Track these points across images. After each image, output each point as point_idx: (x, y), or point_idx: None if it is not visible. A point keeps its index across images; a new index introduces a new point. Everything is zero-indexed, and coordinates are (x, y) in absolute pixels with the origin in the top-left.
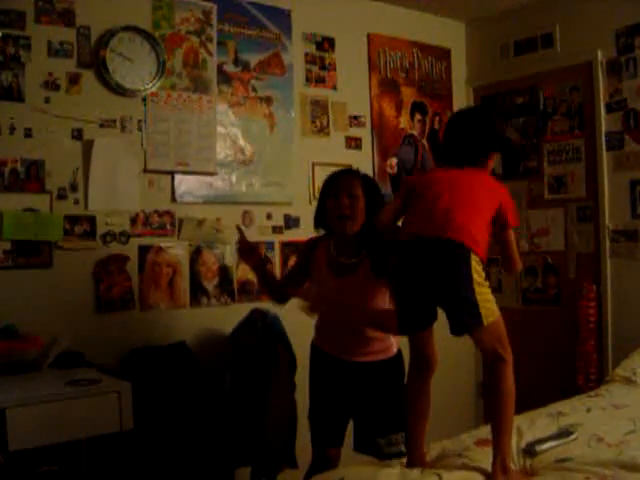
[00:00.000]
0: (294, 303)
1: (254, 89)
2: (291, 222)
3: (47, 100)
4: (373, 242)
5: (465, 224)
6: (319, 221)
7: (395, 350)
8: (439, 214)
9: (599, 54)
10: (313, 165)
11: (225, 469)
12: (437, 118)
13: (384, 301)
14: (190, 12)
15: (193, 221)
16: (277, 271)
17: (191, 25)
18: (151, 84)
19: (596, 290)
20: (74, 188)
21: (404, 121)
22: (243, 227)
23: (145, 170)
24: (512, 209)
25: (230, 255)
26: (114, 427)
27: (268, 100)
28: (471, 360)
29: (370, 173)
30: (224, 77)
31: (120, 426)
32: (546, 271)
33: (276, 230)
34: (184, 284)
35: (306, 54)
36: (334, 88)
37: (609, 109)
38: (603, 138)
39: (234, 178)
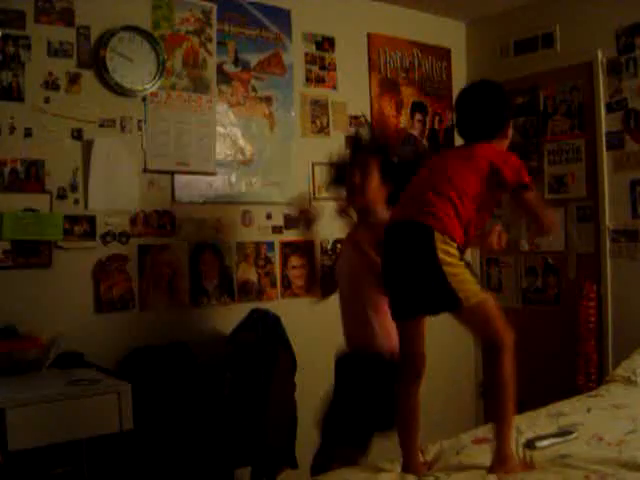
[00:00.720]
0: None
1: (254, 89)
2: (291, 222)
3: (47, 100)
4: None
5: (431, 203)
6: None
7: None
8: (413, 198)
9: (599, 54)
10: (313, 165)
11: (225, 469)
12: (437, 118)
13: None
14: (190, 12)
15: (193, 221)
16: (277, 270)
17: (191, 25)
18: (151, 84)
19: (596, 290)
20: (74, 188)
21: (404, 121)
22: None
23: (145, 170)
24: (511, 167)
25: (230, 255)
26: (114, 427)
27: (268, 100)
28: (471, 360)
29: None
30: (224, 77)
31: (120, 426)
32: (546, 271)
33: (276, 230)
34: (184, 284)
35: (306, 54)
36: (334, 88)
37: (609, 109)
38: (603, 138)
39: (234, 178)
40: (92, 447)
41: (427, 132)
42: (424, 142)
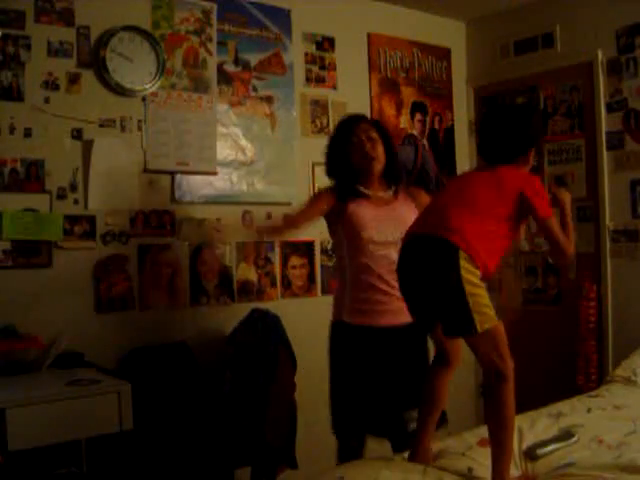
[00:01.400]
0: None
1: (254, 89)
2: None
3: (47, 100)
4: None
5: (458, 222)
6: (335, 168)
7: None
8: (435, 213)
9: (599, 54)
10: (313, 165)
11: (225, 469)
12: (437, 118)
13: None
14: (190, 12)
15: (193, 221)
16: (277, 270)
17: (191, 25)
18: (151, 84)
19: (596, 290)
20: (74, 188)
21: (404, 121)
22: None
23: (145, 170)
24: (540, 199)
25: (230, 255)
26: (114, 427)
27: (269, 100)
28: (471, 360)
29: None
30: (224, 77)
31: (120, 426)
32: (546, 271)
33: (276, 230)
34: (184, 284)
35: (306, 54)
36: (334, 88)
37: (609, 109)
38: (603, 138)
39: (235, 178)
40: (92, 447)
41: (427, 132)
42: (424, 142)
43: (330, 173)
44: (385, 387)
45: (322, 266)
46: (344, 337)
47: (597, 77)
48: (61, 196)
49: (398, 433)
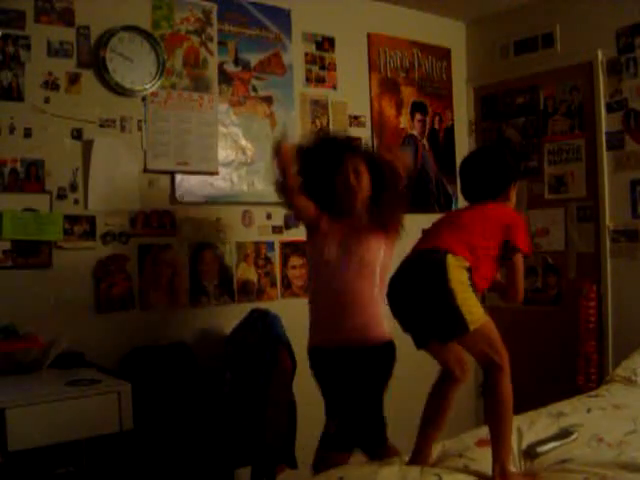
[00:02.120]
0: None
1: (254, 89)
2: (291, 222)
3: (47, 100)
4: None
5: (448, 237)
6: (317, 196)
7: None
8: (427, 236)
9: (599, 54)
10: None
11: (225, 469)
12: (437, 118)
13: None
14: (190, 12)
15: (193, 221)
16: (277, 270)
17: (191, 25)
18: (151, 84)
19: (596, 290)
20: (74, 188)
21: (404, 121)
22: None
23: (145, 170)
24: (522, 234)
25: (230, 255)
26: (114, 427)
27: (269, 100)
28: (471, 360)
29: None
30: (224, 77)
31: (120, 426)
32: (546, 271)
33: (276, 230)
34: (184, 284)
35: (306, 54)
36: (334, 88)
37: (609, 109)
38: (603, 138)
39: (235, 178)
40: (92, 447)
41: (427, 132)
42: (424, 142)
43: (307, 189)
44: (364, 401)
45: None
46: (324, 362)
47: (597, 77)
48: (61, 196)
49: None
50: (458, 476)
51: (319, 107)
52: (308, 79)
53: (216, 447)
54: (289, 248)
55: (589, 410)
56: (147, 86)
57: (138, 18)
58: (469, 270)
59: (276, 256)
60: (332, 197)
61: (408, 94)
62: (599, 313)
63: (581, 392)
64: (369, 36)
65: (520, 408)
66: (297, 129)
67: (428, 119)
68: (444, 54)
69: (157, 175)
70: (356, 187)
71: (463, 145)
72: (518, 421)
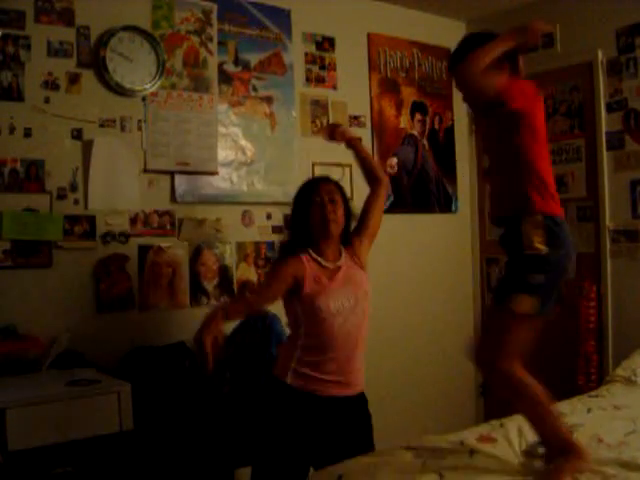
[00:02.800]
0: None
1: (254, 89)
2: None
3: (47, 100)
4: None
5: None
6: (297, 230)
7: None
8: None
9: (599, 54)
10: (313, 165)
11: (225, 469)
12: (437, 118)
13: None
14: (190, 12)
15: (193, 221)
16: None
17: (191, 25)
18: (151, 84)
19: (596, 290)
20: (74, 188)
21: (404, 121)
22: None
23: (145, 170)
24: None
25: (230, 255)
26: (114, 427)
27: (268, 100)
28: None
29: None
30: (224, 77)
31: (120, 426)
32: None
33: (276, 230)
34: (184, 284)
35: (306, 54)
36: (334, 88)
37: (609, 109)
38: (603, 138)
39: (235, 178)
40: (92, 447)
41: (427, 132)
42: (424, 142)
43: (291, 228)
44: (323, 457)
45: None
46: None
47: (597, 77)
48: (61, 196)
49: None
50: (459, 473)
51: (319, 107)
52: (308, 79)
53: (216, 447)
54: None
55: (589, 410)
56: (147, 86)
57: (138, 18)
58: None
59: (276, 256)
60: (307, 230)
61: (408, 94)
62: (599, 313)
63: (581, 392)
64: (369, 36)
65: None
66: (297, 129)
67: (428, 119)
68: (444, 54)
69: (157, 175)
70: (331, 216)
71: (463, 145)
72: (518, 421)
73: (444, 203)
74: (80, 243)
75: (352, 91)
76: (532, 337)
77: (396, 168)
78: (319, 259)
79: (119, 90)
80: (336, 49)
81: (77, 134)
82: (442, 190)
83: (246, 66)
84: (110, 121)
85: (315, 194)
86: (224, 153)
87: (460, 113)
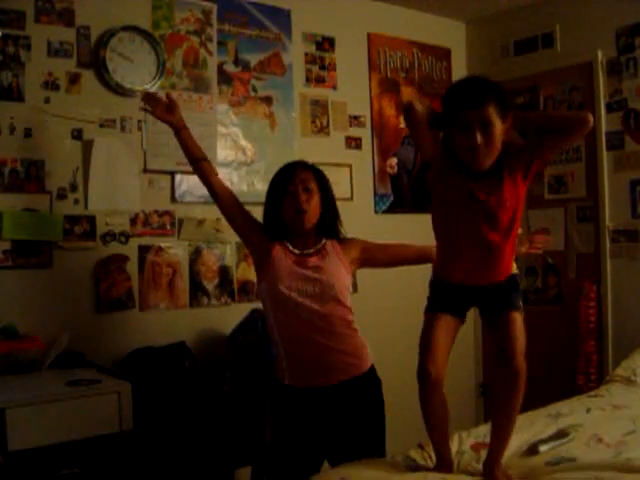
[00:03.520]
0: None
1: (254, 89)
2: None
3: (47, 100)
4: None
5: None
6: (270, 220)
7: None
8: None
9: (599, 54)
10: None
11: (225, 469)
12: None
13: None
14: (190, 12)
15: (193, 221)
16: None
17: (191, 25)
18: (151, 84)
19: (596, 290)
20: (74, 188)
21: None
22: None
23: (145, 170)
24: None
25: (230, 255)
26: (114, 427)
27: (268, 100)
28: (471, 360)
29: (370, 173)
30: (224, 77)
31: (120, 426)
32: (546, 271)
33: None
34: (184, 284)
35: (306, 54)
36: (334, 88)
37: (609, 109)
38: (603, 138)
39: (235, 178)
40: (92, 447)
41: None
42: None
43: (264, 218)
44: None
45: None
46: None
47: (597, 77)
48: (61, 196)
49: None
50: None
51: (319, 107)
52: (308, 79)
53: (216, 447)
54: None
55: (589, 410)
56: (147, 86)
57: (138, 18)
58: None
59: None
60: (281, 222)
61: (408, 94)
62: (599, 313)
63: (581, 392)
64: (369, 36)
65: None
66: (297, 129)
67: None
68: (444, 54)
69: (157, 175)
70: (304, 206)
71: None
72: (518, 421)
73: None
74: (80, 243)
75: (352, 91)
76: None
77: (396, 168)
78: (288, 245)
79: (119, 90)
80: (336, 49)
81: (77, 134)
82: None
83: (246, 66)
84: (110, 121)
85: (289, 183)
86: (224, 153)
87: None
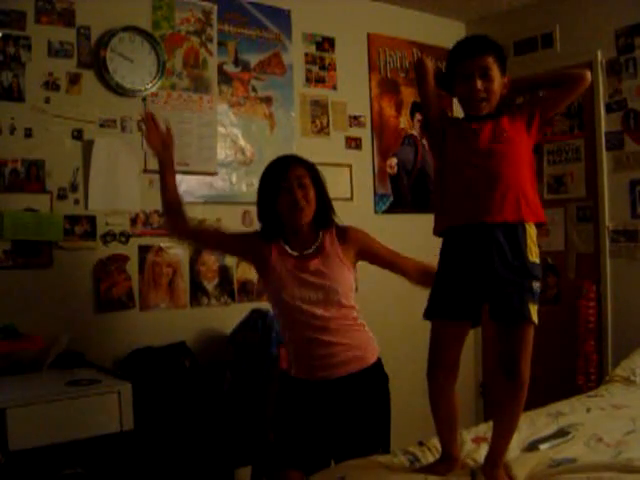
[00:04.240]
0: None
1: (254, 89)
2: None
3: (47, 100)
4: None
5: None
6: (266, 218)
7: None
8: None
9: (599, 54)
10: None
11: (225, 469)
12: None
13: (352, 271)
14: (190, 12)
15: (193, 221)
16: None
17: (191, 25)
18: (151, 84)
19: (596, 290)
20: (74, 188)
21: (404, 121)
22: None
23: (145, 170)
24: None
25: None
26: (114, 427)
27: (268, 100)
28: (471, 360)
29: (370, 173)
30: (224, 77)
31: (120, 426)
32: (546, 271)
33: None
34: (184, 284)
35: (306, 54)
36: (334, 88)
37: (609, 109)
38: (603, 138)
39: (234, 178)
40: (92, 447)
41: None
42: (424, 142)
43: (259, 217)
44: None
45: None
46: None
47: (596, 77)
48: (61, 196)
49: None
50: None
51: (319, 107)
52: (308, 79)
53: (216, 447)
54: None
55: (588, 410)
56: (147, 86)
57: (138, 18)
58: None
59: None
60: (277, 220)
61: (408, 94)
62: (599, 313)
63: (581, 392)
64: (369, 36)
65: None
66: (297, 129)
67: None
68: (444, 54)
69: (157, 175)
70: (302, 203)
71: None
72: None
73: None
74: (80, 243)
75: (352, 91)
76: None
77: (396, 169)
78: (286, 248)
79: (119, 90)
80: (336, 49)
81: (77, 134)
82: None
83: (246, 66)
84: (110, 121)
85: (284, 180)
86: (224, 153)
87: (460, 113)
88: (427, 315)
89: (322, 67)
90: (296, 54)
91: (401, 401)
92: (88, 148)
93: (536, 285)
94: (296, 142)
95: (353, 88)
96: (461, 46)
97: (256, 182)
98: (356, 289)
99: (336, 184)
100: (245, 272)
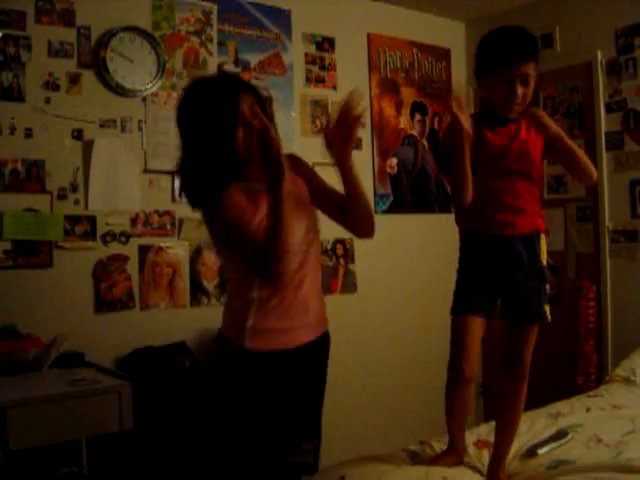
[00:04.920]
0: None
1: None
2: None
3: (47, 100)
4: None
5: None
6: (217, 158)
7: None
8: None
9: (599, 54)
10: (313, 165)
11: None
12: (437, 118)
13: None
14: (190, 12)
15: (193, 221)
16: None
17: (191, 25)
18: (151, 84)
19: (596, 290)
20: (74, 188)
21: (404, 121)
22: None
23: (145, 170)
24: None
25: None
26: (114, 427)
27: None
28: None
29: (370, 173)
30: None
31: (120, 426)
32: None
33: None
34: (184, 284)
35: (306, 54)
36: (334, 88)
37: (609, 109)
38: (603, 138)
39: None
40: (92, 447)
41: (427, 132)
42: (424, 142)
43: (205, 158)
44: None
45: (321, 266)
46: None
47: (596, 77)
48: (62, 196)
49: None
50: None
51: (319, 107)
52: (308, 79)
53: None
54: None
55: (588, 410)
56: (147, 86)
57: (138, 18)
58: None
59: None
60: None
61: (408, 94)
62: (598, 313)
63: (580, 392)
64: (369, 36)
65: None
66: (297, 129)
67: (428, 119)
68: (444, 54)
69: (157, 175)
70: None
71: None
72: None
73: (444, 203)
74: (80, 243)
75: None
76: None
77: (396, 169)
78: (250, 184)
79: (119, 90)
80: (336, 49)
81: (77, 134)
82: (442, 190)
83: (246, 66)
84: (110, 121)
85: (238, 107)
86: None
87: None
88: (454, 312)
89: (322, 67)
90: (296, 54)
91: (402, 401)
92: (88, 148)
93: (547, 287)
94: (296, 142)
95: (353, 88)
96: (505, 42)
97: None
98: (354, 288)
99: (336, 184)
100: None
